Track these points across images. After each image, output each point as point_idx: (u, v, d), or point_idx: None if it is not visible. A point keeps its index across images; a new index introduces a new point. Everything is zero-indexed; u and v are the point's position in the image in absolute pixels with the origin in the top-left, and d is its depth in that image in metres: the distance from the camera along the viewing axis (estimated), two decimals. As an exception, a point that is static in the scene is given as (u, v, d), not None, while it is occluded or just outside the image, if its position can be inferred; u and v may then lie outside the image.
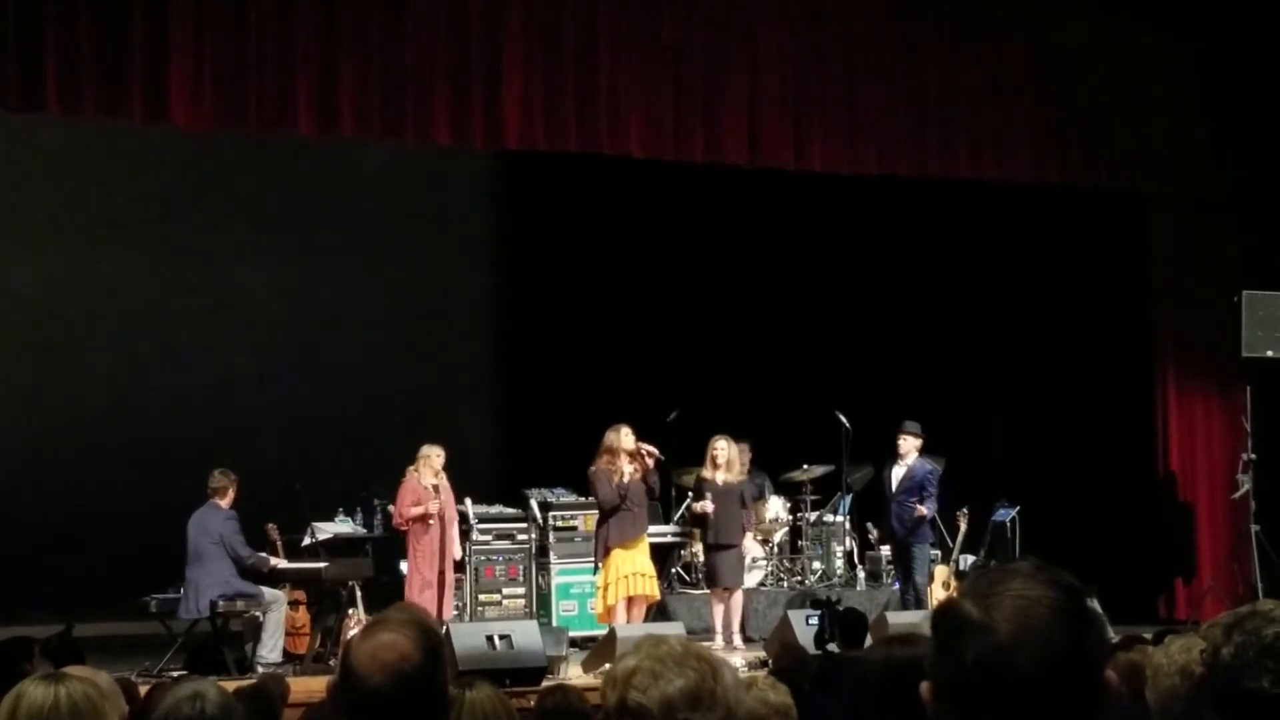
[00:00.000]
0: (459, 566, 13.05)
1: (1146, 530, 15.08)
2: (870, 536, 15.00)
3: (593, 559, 12.87)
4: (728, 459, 13.12)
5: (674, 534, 14.67)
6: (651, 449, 12.67)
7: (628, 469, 12.50)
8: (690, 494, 14.16)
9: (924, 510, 13.16)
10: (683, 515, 14.74)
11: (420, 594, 12.21)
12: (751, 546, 14.50)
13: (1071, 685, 1.89)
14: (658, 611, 13.39)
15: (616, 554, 12.47)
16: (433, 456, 12.59)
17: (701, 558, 14.14)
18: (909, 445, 13.37)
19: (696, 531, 13.97)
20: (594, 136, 12.89)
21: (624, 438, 12.58)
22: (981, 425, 15.85)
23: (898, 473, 13.38)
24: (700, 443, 13.32)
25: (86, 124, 13.34)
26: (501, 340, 18.12)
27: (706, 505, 12.98)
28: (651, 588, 12.68)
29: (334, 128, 12.22)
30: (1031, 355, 15.74)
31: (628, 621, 12.28)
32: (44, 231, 15.85)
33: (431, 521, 12.41)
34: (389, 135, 12.77)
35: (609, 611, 12.46)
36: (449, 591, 12.60)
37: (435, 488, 12.53)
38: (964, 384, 15.92)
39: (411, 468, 12.62)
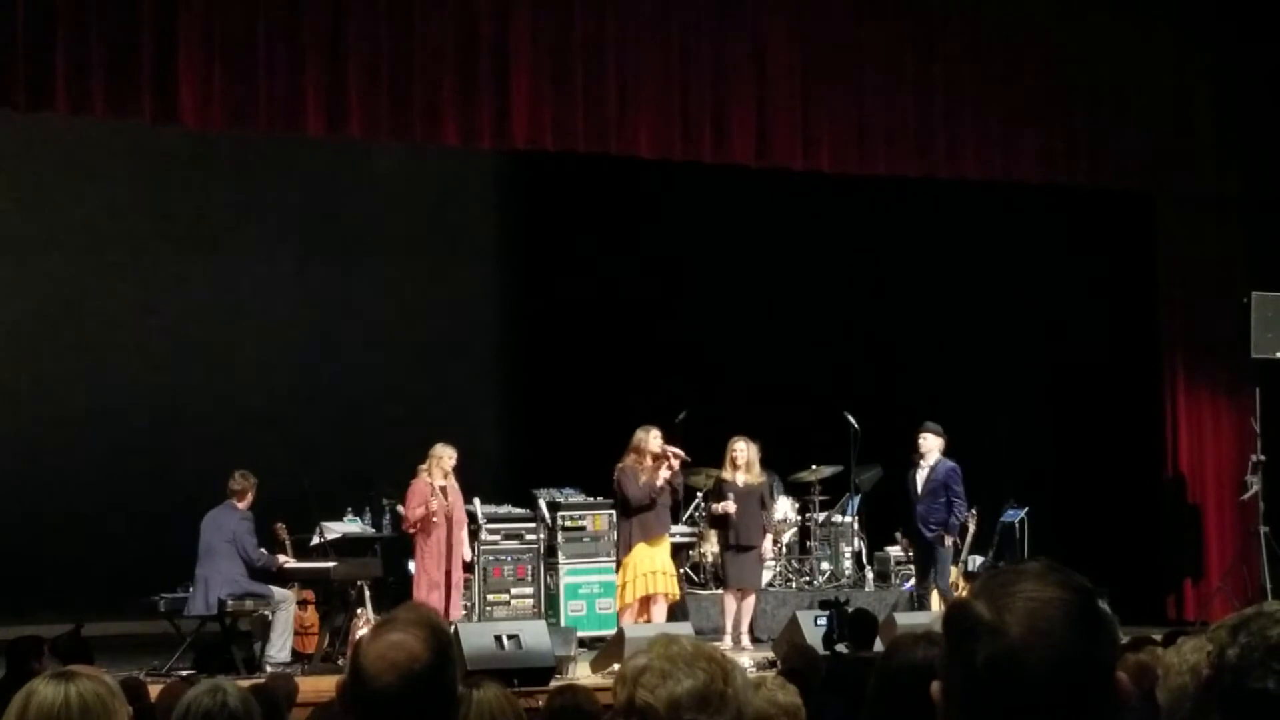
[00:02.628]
0: (468, 567, 13.03)
1: (1155, 531, 15.05)
2: (899, 545, 14.86)
3: (612, 557, 12.90)
4: (747, 460, 13.10)
5: (683, 534, 14.66)
6: (678, 451, 12.70)
7: (664, 473, 12.55)
8: (701, 495, 14.16)
9: (949, 540, 13.11)
10: (692, 515, 14.74)
11: (428, 594, 12.12)
12: (762, 547, 14.51)
13: (1083, 687, 1.88)
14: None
15: (639, 549, 12.53)
16: (444, 457, 12.47)
17: (709, 558, 14.12)
18: (930, 444, 13.08)
19: (712, 533, 13.96)
20: (602, 137, 12.87)
21: (652, 439, 12.64)
22: (989, 426, 15.82)
23: (921, 475, 13.10)
24: (707, 443, 13.31)
25: (92, 121, 13.33)
26: (510, 340, 18.12)
27: (728, 506, 12.98)
28: (671, 585, 12.71)
29: (342, 128, 12.22)
30: (1039, 356, 15.72)
31: (647, 620, 12.31)
32: (50, 230, 15.86)
33: (436, 520, 12.29)
34: (397, 136, 12.76)
35: (627, 609, 12.51)
36: (456, 592, 12.51)
37: (444, 489, 12.45)
38: (972, 384, 15.90)
39: (422, 467, 12.51)
